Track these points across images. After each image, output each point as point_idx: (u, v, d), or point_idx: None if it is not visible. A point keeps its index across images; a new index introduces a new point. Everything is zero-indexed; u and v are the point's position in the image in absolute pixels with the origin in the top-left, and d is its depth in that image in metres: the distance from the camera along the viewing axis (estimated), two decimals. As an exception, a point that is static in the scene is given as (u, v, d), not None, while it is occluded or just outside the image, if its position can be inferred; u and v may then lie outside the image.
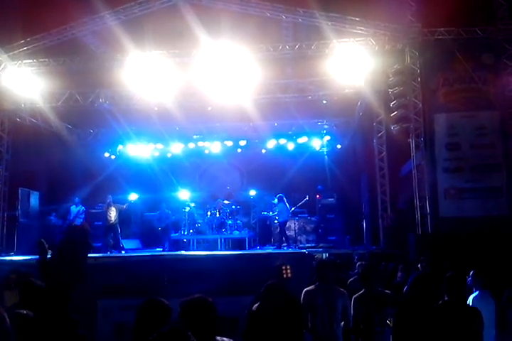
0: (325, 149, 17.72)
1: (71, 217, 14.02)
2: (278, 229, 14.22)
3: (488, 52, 11.25)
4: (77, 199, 14.19)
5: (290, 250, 12.96)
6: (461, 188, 11.15)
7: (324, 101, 13.45)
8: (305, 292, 5.34)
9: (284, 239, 13.78)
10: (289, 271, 6.78)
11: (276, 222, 14.30)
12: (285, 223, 14.01)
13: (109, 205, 13.86)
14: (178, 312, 3.18)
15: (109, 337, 8.14)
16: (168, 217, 14.62)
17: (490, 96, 11.25)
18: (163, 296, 3.62)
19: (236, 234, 14.37)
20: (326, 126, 17.00)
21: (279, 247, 13.36)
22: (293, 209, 15.00)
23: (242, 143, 17.20)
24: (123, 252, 13.47)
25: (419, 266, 6.27)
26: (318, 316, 5.13)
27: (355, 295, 4.96)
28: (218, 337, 3.07)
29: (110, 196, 14.16)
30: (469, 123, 11.22)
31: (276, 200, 14.48)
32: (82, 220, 14.03)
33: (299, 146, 17.11)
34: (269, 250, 13.16)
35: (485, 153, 11.11)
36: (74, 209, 14.14)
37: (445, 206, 11.22)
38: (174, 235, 14.56)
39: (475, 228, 10.45)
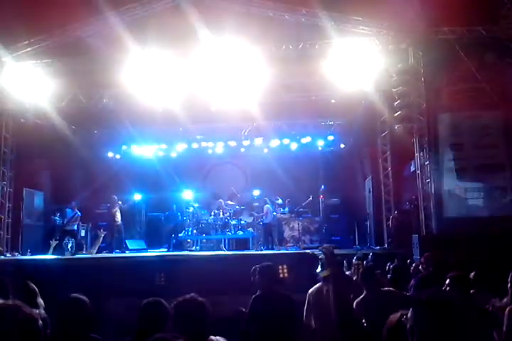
0: (328, 149, 17.70)
1: (64, 221, 13.83)
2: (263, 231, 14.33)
3: (491, 52, 11.21)
4: (73, 203, 13.91)
5: (294, 250, 12.98)
6: (465, 188, 11.12)
7: (333, 101, 13.29)
8: (310, 292, 5.35)
9: (271, 239, 13.89)
10: (285, 270, 6.73)
11: (261, 223, 14.44)
12: (269, 225, 14.03)
13: (115, 206, 14.01)
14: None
15: (113, 337, 8.16)
16: (176, 218, 14.72)
17: (494, 95, 11.20)
18: (166, 297, 3.63)
19: (240, 234, 14.39)
20: (329, 126, 16.95)
21: (270, 248, 13.47)
22: (296, 209, 15.05)
23: (246, 143, 17.17)
24: (127, 252, 13.55)
25: (420, 267, 6.26)
26: (323, 315, 5.15)
27: (356, 300, 4.89)
28: (212, 337, 3.08)
29: (115, 196, 14.26)
30: (473, 123, 11.19)
31: (280, 201, 14.52)
32: (76, 226, 13.85)
33: (302, 146, 17.03)
34: (274, 250, 13.16)
35: (489, 153, 11.07)
36: (69, 213, 13.80)
37: (449, 206, 11.19)
38: (179, 235, 14.61)
39: (479, 228, 10.41)
